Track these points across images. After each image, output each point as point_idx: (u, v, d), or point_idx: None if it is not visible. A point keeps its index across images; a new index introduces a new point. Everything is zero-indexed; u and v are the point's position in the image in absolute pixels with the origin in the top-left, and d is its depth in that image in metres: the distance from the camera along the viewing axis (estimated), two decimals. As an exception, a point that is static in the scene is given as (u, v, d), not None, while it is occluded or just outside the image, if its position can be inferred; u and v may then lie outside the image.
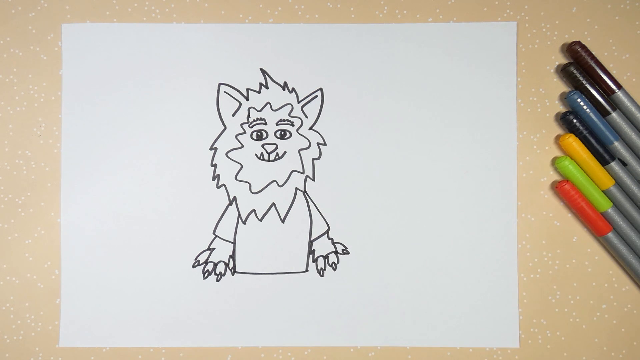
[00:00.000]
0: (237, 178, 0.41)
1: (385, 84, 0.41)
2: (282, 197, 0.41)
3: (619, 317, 0.41)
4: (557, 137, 0.41)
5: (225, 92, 0.41)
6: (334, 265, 0.41)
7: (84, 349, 0.41)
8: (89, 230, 0.41)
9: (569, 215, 0.42)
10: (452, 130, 0.41)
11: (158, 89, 0.41)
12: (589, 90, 0.40)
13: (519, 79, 0.41)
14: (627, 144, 0.40)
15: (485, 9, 0.41)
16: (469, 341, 0.41)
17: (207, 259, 0.41)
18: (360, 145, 0.41)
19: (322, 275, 0.41)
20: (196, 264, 0.41)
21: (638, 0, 0.41)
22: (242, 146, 0.41)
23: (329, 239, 0.41)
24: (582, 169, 0.40)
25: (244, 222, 0.41)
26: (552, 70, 0.41)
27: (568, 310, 0.41)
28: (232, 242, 0.41)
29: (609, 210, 0.40)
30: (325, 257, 0.41)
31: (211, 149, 0.41)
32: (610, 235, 0.40)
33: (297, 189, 0.41)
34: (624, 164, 0.40)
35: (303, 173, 0.41)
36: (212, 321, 0.41)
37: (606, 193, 0.41)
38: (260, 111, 0.41)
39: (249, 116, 0.41)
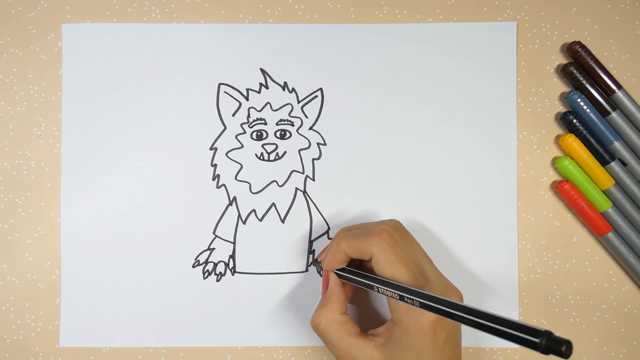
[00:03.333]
0: (237, 178, 0.41)
1: (385, 83, 0.41)
2: (282, 197, 0.41)
3: (619, 317, 0.41)
4: (557, 137, 0.41)
5: (225, 92, 0.41)
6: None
7: (84, 349, 0.41)
8: (89, 230, 0.41)
9: (569, 215, 0.42)
10: (452, 130, 0.41)
11: (158, 89, 0.41)
12: (589, 90, 0.40)
13: (519, 79, 0.41)
14: (627, 144, 0.40)
15: (485, 9, 0.41)
16: (469, 341, 0.41)
17: (207, 259, 0.41)
18: (360, 145, 0.41)
19: (322, 276, 0.41)
20: (196, 264, 0.41)
21: (638, 1, 0.41)
22: (242, 146, 0.41)
23: (329, 239, 0.41)
24: (582, 169, 0.40)
25: (244, 222, 0.41)
26: (552, 70, 0.41)
27: (568, 310, 0.41)
28: (232, 242, 0.41)
29: (609, 210, 0.40)
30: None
31: (211, 149, 0.41)
32: (610, 235, 0.40)
33: (297, 189, 0.41)
34: (624, 164, 0.40)
35: (303, 173, 0.41)
36: (212, 321, 0.41)
37: (606, 193, 0.41)
38: (260, 111, 0.41)
39: (249, 116, 0.41)
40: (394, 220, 0.38)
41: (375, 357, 0.33)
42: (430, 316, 0.32)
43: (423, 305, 0.30)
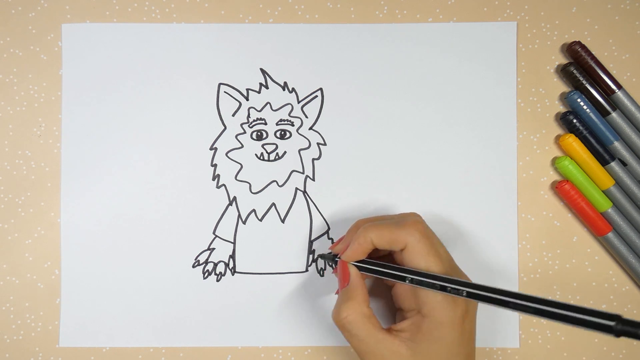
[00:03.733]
0: (237, 178, 0.41)
1: (385, 84, 0.41)
2: (282, 197, 0.41)
3: (619, 317, 0.41)
4: (557, 137, 0.41)
5: (225, 92, 0.41)
6: (333, 265, 0.41)
7: (84, 349, 0.41)
8: (89, 231, 0.41)
9: (569, 215, 0.42)
10: (452, 130, 0.41)
11: (158, 89, 0.41)
12: (589, 90, 0.40)
13: (519, 79, 0.41)
14: (627, 144, 0.40)
15: (485, 9, 0.41)
16: (469, 341, 0.41)
17: (207, 259, 0.41)
18: (360, 145, 0.41)
19: (322, 275, 0.41)
20: (196, 264, 0.41)
21: (638, 1, 0.41)
22: (242, 146, 0.41)
23: (329, 239, 0.41)
24: (582, 169, 0.40)
25: (244, 222, 0.41)
26: (552, 70, 0.41)
27: (568, 310, 0.41)
28: (232, 242, 0.41)
29: (609, 210, 0.40)
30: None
31: (211, 149, 0.41)
32: (610, 235, 0.40)
33: (297, 189, 0.41)
34: (624, 164, 0.40)
35: (303, 173, 0.41)
36: (212, 321, 0.41)
37: (606, 193, 0.41)
38: (260, 111, 0.41)
39: (249, 116, 0.41)
40: (414, 213, 0.37)
41: (402, 353, 0.32)
42: (461, 308, 0.31)
43: (471, 295, 0.29)
